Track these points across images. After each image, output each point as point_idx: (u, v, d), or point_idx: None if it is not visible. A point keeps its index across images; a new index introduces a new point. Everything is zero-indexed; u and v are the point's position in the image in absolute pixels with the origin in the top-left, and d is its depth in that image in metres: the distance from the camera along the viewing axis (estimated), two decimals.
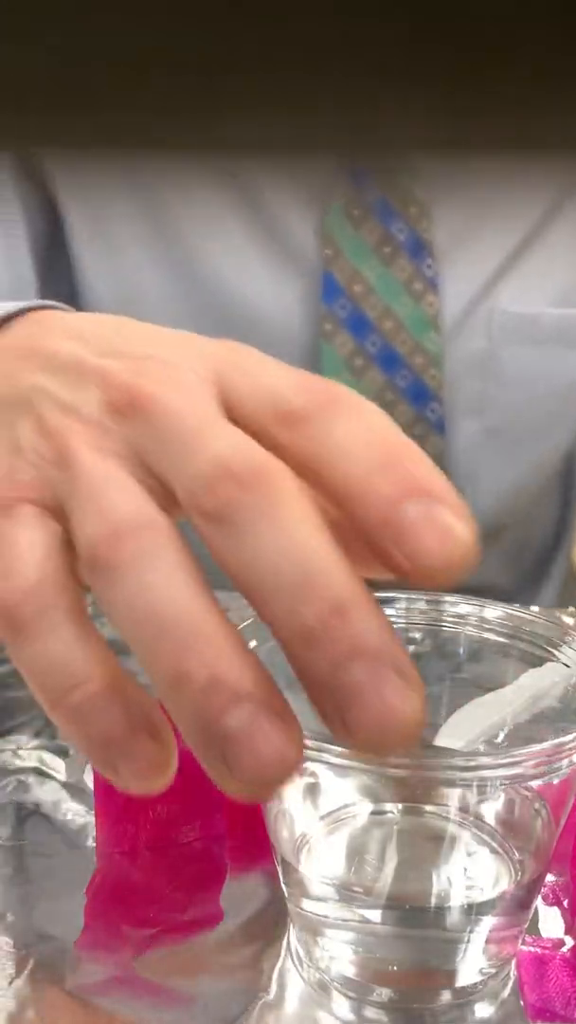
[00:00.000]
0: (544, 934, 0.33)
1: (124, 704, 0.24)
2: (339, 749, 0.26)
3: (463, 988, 0.31)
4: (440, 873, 0.30)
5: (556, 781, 0.29)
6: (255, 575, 0.23)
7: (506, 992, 0.31)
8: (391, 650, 0.23)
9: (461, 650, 0.46)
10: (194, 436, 0.25)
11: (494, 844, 0.31)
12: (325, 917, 0.31)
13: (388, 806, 0.33)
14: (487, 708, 0.44)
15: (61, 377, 0.28)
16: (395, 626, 0.33)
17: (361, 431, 0.25)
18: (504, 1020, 0.30)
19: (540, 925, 0.33)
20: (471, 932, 0.30)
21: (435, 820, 0.32)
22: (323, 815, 0.32)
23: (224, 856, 0.36)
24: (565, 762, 0.27)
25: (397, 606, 0.33)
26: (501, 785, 0.29)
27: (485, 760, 0.27)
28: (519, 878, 0.31)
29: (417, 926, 0.30)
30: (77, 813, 0.39)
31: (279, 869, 0.31)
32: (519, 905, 0.31)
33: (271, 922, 0.34)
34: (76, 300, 0.67)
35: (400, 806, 0.32)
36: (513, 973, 0.32)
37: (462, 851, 0.31)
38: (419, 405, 0.64)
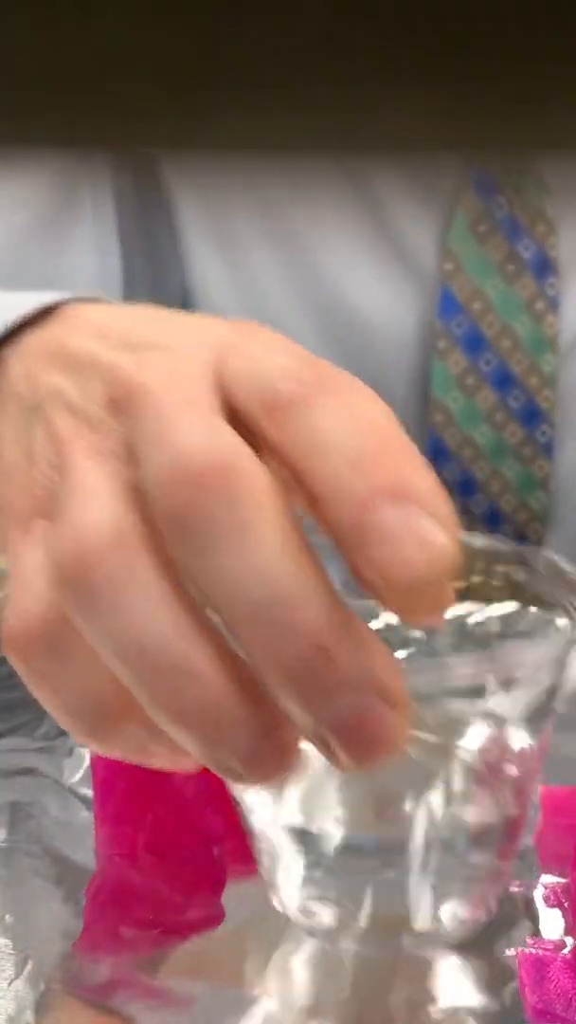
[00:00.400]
0: (545, 935, 0.33)
1: (142, 723, 0.24)
2: None
3: (431, 934, 0.31)
4: (413, 807, 0.30)
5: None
6: (223, 598, 0.21)
7: (506, 993, 0.31)
8: (378, 680, 0.21)
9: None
10: (165, 427, 0.23)
11: (474, 779, 0.31)
12: (291, 853, 0.31)
13: None
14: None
15: (74, 375, 0.27)
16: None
17: (345, 422, 0.22)
18: (504, 1021, 0.30)
19: (541, 926, 0.33)
20: (444, 870, 0.30)
21: (410, 751, 0.31)
22: None
23: (224, 858, 0.36)
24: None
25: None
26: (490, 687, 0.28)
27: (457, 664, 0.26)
28: (499, 816, 0.31)
29: (385, 862, 0.30)
30: (76, 815, 0.39)
31: (241, 810, 0.31)
32: (497, 847, 0.30)
33: (272, 924, 0.34)
34: (168, 292, 0.66)
35: None
36: (513, 973, 0.32)
37: (438, 785, 0.30)
38: (530, 426, 0.63)
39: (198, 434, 0.22)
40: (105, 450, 0.24)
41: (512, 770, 0.30)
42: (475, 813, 0.31)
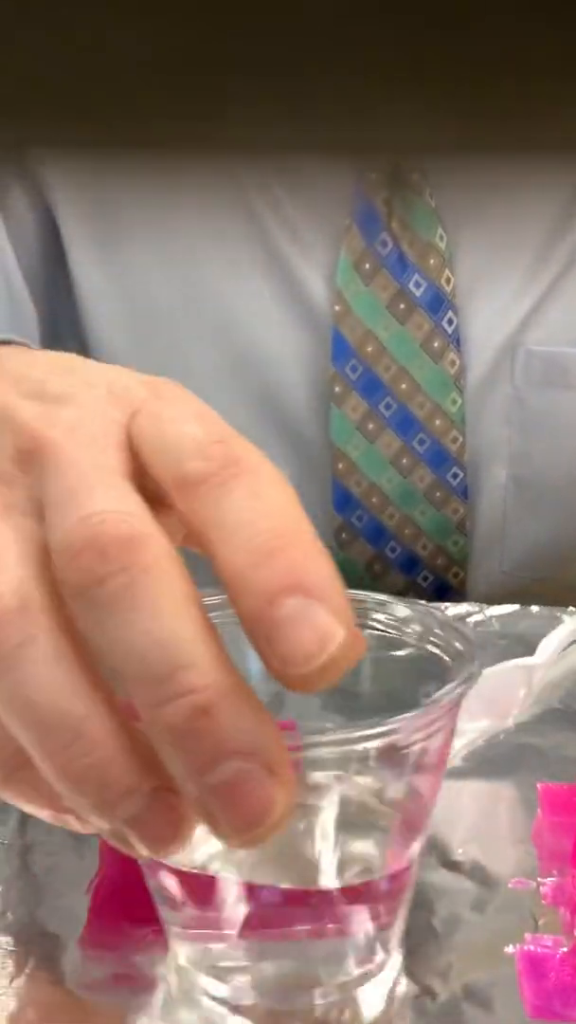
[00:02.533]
0: (544, 932, 0.33)
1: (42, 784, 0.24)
2: None
3: (345, 983, 0.30)
4: (306, 860, 0.30)
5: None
6: (119, 659, 0.23)
7: (506, 990, 0.31)
8: (259, 745, 0.22)
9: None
10: (72, 494, 0.24)
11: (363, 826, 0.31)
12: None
13: None
14: (519, 672, 0.44)
15: None
16: (392, 627, 0.33)
17: (251, 508, 0.24)
18: (504, 1018, 0.30)
19: (540, 923, 0.33)
20: (342, 921, 0.30)
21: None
22: None
23: None
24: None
25: (390, 609, 0.33)
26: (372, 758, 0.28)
27: (349, 735, 0.27)
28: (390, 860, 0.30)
29: (280, 923, 0.30)
30: None
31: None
32: (387, 890, 0.30)
33: None
34: (79, 324, 0.66)
35: None
36: (512, 971, 0.32)
37: (328, 838, 0.30)
38: (440, 470, 0.60)
39: (103, 501, 0.24)
40: (11, 503, 0.25)
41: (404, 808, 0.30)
42: (367, 858, 0.31)
